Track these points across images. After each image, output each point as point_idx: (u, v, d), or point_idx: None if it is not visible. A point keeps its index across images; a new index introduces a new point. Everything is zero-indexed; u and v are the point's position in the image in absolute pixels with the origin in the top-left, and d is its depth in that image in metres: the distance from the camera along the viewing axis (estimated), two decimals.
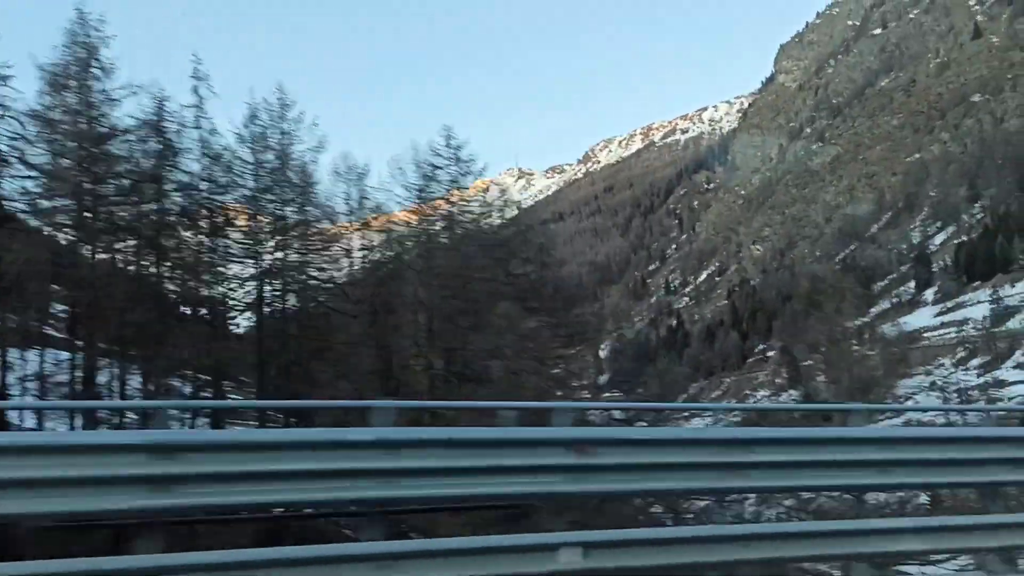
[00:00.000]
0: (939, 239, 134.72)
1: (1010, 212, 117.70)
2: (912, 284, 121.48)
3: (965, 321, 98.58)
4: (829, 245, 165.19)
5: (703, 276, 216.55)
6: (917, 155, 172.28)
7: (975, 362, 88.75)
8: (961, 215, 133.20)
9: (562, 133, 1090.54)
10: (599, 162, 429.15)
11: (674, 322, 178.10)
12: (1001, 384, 76.91)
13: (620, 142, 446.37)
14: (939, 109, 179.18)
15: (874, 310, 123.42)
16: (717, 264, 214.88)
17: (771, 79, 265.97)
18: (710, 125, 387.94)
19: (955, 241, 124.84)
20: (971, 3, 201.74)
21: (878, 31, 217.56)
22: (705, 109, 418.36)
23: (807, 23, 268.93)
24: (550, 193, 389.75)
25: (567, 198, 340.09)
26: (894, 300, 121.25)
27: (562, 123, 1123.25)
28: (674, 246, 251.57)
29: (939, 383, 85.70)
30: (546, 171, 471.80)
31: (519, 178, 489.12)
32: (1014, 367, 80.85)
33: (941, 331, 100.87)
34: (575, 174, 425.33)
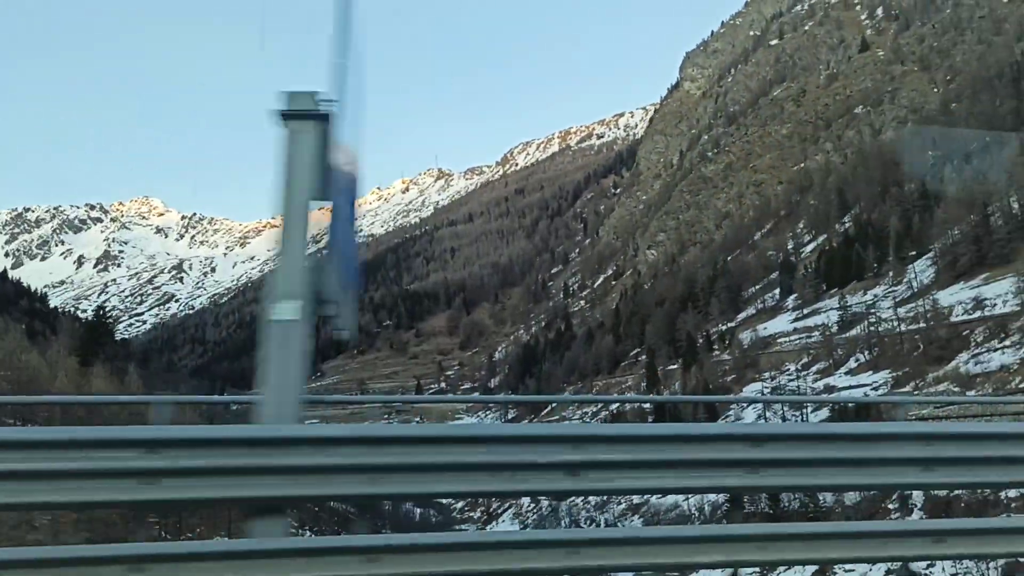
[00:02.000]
0: (812, 247, 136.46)
1: (871, 221, 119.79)
2: (778, 291, 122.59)
3: (816, 327, 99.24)
4: (716, 251, 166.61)
5: (600, 280, 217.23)
6: (802, 164, 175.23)
7: (819, 366, 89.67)
8: (833, 224, 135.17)
9: (484, 135, 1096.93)
10: (517, 164, 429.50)
11: (563, 325, 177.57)
12: (830, 390, 77.01)
13: (539, 145, 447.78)
14: (825, 119, 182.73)
15: (741, 315, 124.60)
16: (614, 268, 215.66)
17: (677, 86, 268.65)
18: (625, 131, 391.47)
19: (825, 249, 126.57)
20: (862, 17, 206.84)
21: (775, 41, 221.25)
22: (622, 115, 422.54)
23: (712, 32, 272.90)
24: (464, 194, 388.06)
25: (478, 199, 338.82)
26: (759, 306, 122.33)
27: (484, 126, 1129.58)
28: (577, 250, 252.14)
29: (780, 388, 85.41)
30: (465, 172, 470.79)
31: (439, 179, 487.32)
32: (846, 372, 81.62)
33: (793, 336, 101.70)
34: (493, 176, 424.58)
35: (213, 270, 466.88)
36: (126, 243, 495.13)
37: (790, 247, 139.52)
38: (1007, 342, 66.75)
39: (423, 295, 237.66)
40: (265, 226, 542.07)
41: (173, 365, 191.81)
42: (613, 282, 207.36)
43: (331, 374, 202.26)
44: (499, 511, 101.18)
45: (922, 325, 76.18)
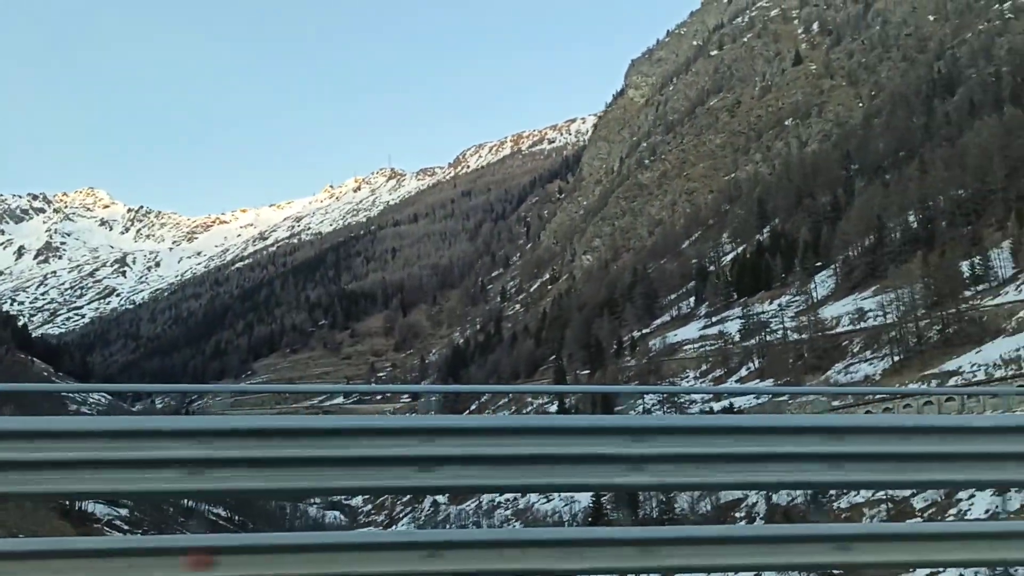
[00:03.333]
0: (731, 256, 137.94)
1: (784, 232, 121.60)
2: (693, 299, 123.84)
3: (720, 335, 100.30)
4: (645, 258, 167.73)
5: (537, 284, 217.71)
6: (733, 174, 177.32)
7: (716, 374, 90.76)
8: (753, 234, 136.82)
9: (439, 137, 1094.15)
10: (469, 166, 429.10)
11: (492, 329, 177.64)
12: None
13: (491, 148, 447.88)
14: (757, 130, 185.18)
15: (657, 322, 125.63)
16: (552, 272, 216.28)
17: (622, 93, 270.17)
18: (576, 136, 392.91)
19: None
20: (799, 32, 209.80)
21: (715, 52, 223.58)
22: (574, 121, 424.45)
23: (657, 40, 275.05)
24: (412, 194, 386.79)
25: (425, 200, 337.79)
26: (673, 313, 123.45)
27: (440, 127, 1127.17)
28: (519, 253, 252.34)
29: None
30: (417, 173, 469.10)
31: (391, 178, 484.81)
32: (736, 380, 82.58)
33: (698, 344, 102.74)
34: (445, 177, 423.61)
35: (158, 264, 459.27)
36: (69, 235, 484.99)
37: (712, 256, 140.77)
38: (878, 353, 68.19)
39: (360, 295, 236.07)
40: (214, 221, 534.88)
41: (88, 363, 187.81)
42: (549, 287, 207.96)
43: (261, 372, 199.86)
44: (400, 515, 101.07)
45: (805, 336, 77.44)
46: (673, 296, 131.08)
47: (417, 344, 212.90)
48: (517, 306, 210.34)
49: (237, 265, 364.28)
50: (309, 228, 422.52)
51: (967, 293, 66.90)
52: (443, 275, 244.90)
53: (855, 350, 70.74)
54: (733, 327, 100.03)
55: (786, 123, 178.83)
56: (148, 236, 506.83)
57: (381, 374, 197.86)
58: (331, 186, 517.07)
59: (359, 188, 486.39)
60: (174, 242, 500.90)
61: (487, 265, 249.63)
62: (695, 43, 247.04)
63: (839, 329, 78.71)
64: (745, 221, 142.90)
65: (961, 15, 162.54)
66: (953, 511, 41.15)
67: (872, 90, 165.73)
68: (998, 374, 49.39)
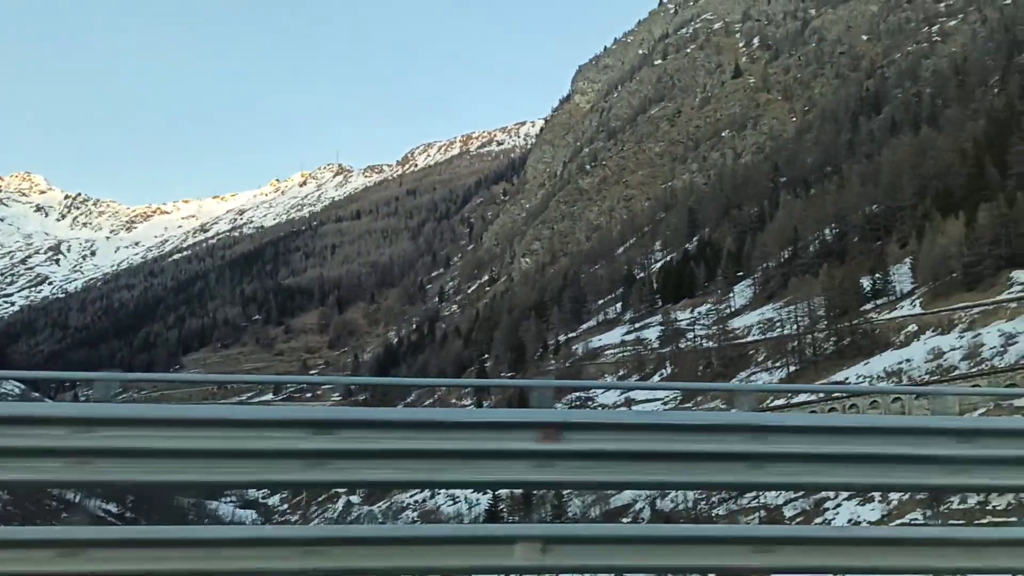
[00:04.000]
0: (661, 263, 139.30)
1: (711, 241, 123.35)
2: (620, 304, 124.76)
3: (641, 341, 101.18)
4: (581, 262, 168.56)
5: (476, 285, 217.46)
6: (670, 183, 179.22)
7: (632, 378, 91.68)
8: (683, 242, 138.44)
9: (388, 134, 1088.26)
10: (417, 165, 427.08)
11: (426, 329, 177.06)
12: (630, 403, 78.33)
13: (440, 147, 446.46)
14: (695, 140, 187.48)
15: (584, 326, 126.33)
16: (491, 274, 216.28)
17: (568, 98, 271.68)
18: (525, 139, 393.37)
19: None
20: (740, 45, 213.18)
21: (659, 61, 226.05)
22: (524, 124, 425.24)
23: (605, 47, 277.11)
24: (357, 191, 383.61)
25: (370, 197, 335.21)
26: (600, 318, 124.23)
27: (389, 124, 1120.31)
28: (460, 254, 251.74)
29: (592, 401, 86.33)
30: (365, 169, 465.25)
31: (338, 174, 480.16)
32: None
33: (619, 349, 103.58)
34: (392, 175, 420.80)
35: (93, 253, 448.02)
36: (2, 220, 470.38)
37: (642, 262, 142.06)
38: (779, 362, 69.39)
39: (297, 291, 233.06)
40: (155, 211, 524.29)
41: (6, 352, 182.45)
42: (487, 288, 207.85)
43: (191, 367, 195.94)
44: (315, 513, 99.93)
45: (713, 344, 78.50)
46: (602, 301, 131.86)
47: (352, 342, 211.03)
48: (454, 307, 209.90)
49: (175, 257, 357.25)
50: (251, 222, 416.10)
51: (868, 307, 68.50)
52: (383, 273, 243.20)
53: (759, 359, 72.00)
54: (654, 333, 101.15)
55: (723, 134, 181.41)
56: (85, 224, 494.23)
57: (313, 372, 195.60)
58: (277, 180, 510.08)
59: (305, 183, 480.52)
60: (112, 231, 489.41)
61: (428, 264, 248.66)
62: (641, 52, 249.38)
63: (750, 338, 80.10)
64: (676, 229, 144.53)
65: (893, 36, 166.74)
66: (819, 519, 41.98)
67: (805, 105, 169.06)
68: (880, 385, 50.52)
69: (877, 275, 70.01)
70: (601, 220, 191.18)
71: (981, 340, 48.85)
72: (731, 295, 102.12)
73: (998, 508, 31.09)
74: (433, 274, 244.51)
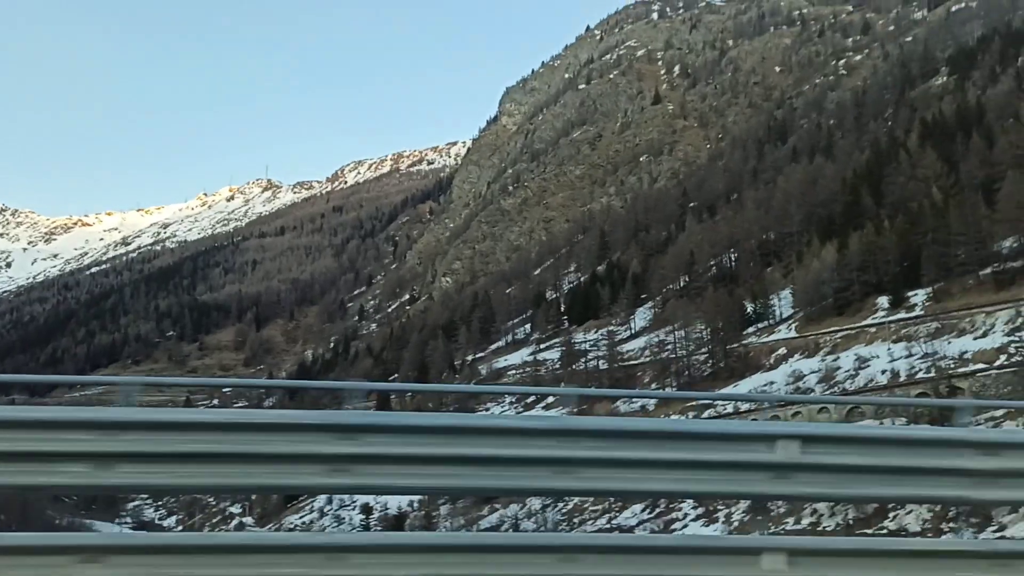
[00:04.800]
0: (572, 285, 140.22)
1: (619, 264, 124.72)
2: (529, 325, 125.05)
3: (543, 362, 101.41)
4: (498, 283, 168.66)
5: (396, 304, 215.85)
6: (588, 206, 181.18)
7: (531, 400, 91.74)
8: (595, 265, 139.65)
9: (320, 151, 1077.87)
10: (347, 182, 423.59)
11: (341, 347, 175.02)
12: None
13: (371, 165, 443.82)
14: (614, 164, 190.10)
15: (494, 346, 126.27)
16: (412, 293, 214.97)
17: (496, 120, 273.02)
18: (455, 159, 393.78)
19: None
20: (661, 72, 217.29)
21: (583, 86, 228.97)
22: (455, 144, 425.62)
23: (532, 70, 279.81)
24: (285, 207, 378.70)
25: (296, 213, 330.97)
26: (508, 339, 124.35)
27: (321, 141, 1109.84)
28: (383, 272, 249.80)
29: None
30: (294, 186, 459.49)
31: (266, 189, 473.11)
32: (542, 407, 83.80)
33: (522, 369, 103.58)
34: (322, 191, 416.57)
35: (8, 265, 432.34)
36: None
37: (554, 283, 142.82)
38: (662, 383, 70.11)
39: (214, 307, 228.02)
40: (76, 223, 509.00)
41: None
42: (407, 307, 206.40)
43: (98, 385, 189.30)
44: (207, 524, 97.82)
45: (605, 366, 79.08)
46: (512, 322, 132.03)
47: (268, 360, 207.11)
48: (374, 325, 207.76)
49: (92, 270, 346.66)
50: (175, 236, 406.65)
51: (750, 330, 69.83)
52: (303, 290, 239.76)
53: (646, 380, 72.73)
54: (557, 354, 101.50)
55: (641, 159, 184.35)
56: (1, 235, 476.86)
57: (226, 389, 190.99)
58: (205, 194, 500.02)
59: (232, 197, 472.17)
60: (29, 242, 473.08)
61: (350, 282, 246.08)
62: (566, 75, 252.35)
63: (643, 359, 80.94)
64: (590, 251, 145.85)
65: (803, 68, 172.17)
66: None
67: (719, 132, 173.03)
68: (743, 407, 51.27)
69: (759, 300, 71.45)
70: (521, 241, 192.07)
71: (839, 364, 50.05)
72: (632, 317, 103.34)
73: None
74: (355, 292, 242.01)
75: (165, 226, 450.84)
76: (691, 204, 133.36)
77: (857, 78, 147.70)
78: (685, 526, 40.33)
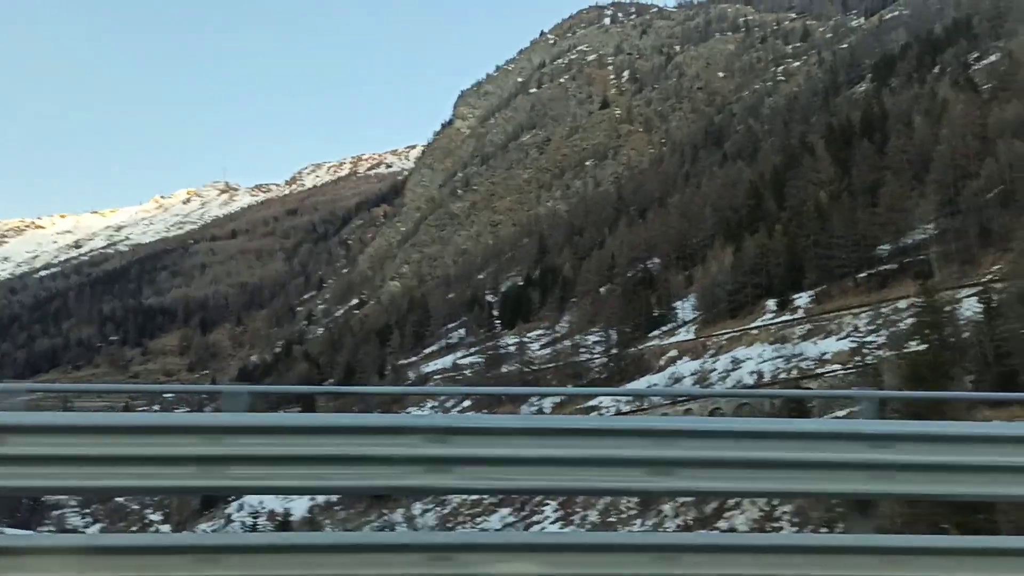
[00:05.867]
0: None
1: (553, 268, 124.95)
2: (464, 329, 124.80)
3: (471, 365, 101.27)
4: (443, 286, 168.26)
5: (345, 308, 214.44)
6: (535, 210, 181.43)
7: (450, 404, 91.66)
8: (534, 269, 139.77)
9: (279, 153, 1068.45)
10: (305, 184, 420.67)
11: (284, 352, 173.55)
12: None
13: (330, 168, 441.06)
14: (561, 168, 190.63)
15: (428, 350, 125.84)
16: (361, 297, 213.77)
17: (450, 123, 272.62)
18: (414, 162, 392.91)
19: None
20: (611, 78, 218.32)
21: (534, 90, 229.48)
22: (414, 147, 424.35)
23: (487, 74, 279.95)
24: (239, 210, 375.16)
25: (249, 217, 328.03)
26: (443, 343, 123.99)
27: (280, 144, 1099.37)
28: (334, 276, 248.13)
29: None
30: (252, 188, 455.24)
31: (223, 192, 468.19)
32: (458, 410, 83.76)
33: (450, 373, 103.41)
34: (280, 194, 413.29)
35: None
36: None
37: (492, 287, 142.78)
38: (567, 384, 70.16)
39: (159, 311, 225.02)
40: (28, 225, 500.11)
41: None
42: (355, 311, 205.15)
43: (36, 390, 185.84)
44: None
45: (515, 369, 79.14)
46: (449, 326, 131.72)
47: (213, 365, 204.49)
48: (320, 330, 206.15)
49: (42, 273, 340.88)
50: (128, 239, 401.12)
51: (655, 333, 70.22)
52: (252, 294, 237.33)
53: (553, 383, 72.80)
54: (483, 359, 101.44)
55: (587, 163, 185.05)
56: None
57: (168, 395, 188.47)
58: (161, 196, 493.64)
59: (189, 200, 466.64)
60: None
61: (300, 287, 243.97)
62: (519, 79, 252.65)
63: (551, 364, 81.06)
64: (529, 255, 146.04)
65: (744, 74, 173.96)
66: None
67: (662, 137, 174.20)
68: (625, 409, 51.50)
69: (663, 304, 71.89)
70: (469, 245, 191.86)
71: (716, 366, 50.43)
72: (562, 319, 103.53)
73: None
74: (305, 296, 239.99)
75: (119, 229, 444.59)
76: (632, 208, 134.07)
77: (793, 84, 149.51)
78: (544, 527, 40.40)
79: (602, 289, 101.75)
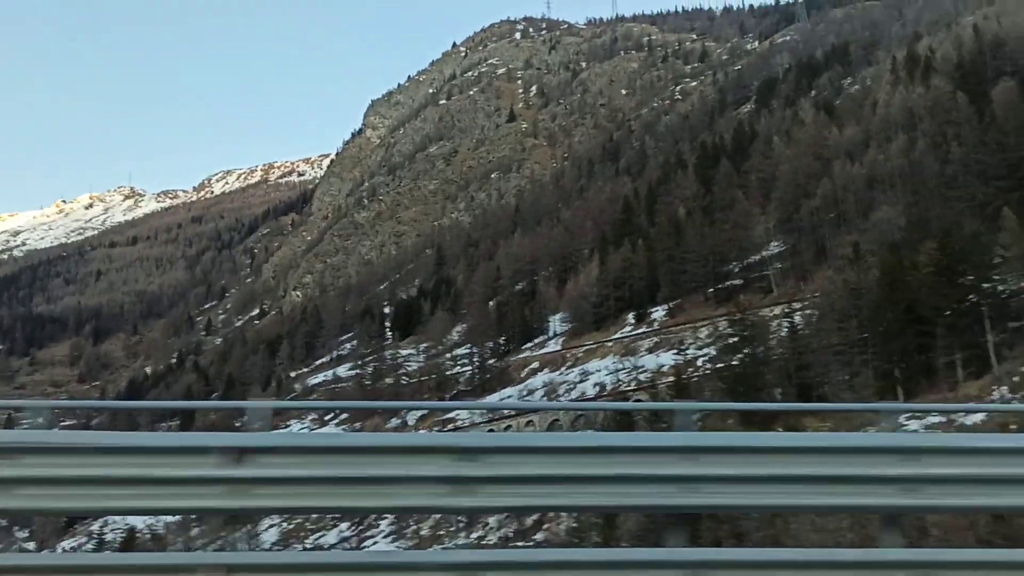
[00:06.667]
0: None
1: (448, 278, 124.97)
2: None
3: (358, 376, 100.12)
4: (342, 297, 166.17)
5: (246, 318, 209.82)
6: (440, 221, 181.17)
7: (328, 416, 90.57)
8: (431, 280, 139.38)
9: (188, 159, 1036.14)
10: (213, 191, 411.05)
11: (176, 363, 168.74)
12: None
13: (240, 175, 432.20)
14: (467, 180, 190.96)
15: (319, 361, 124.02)
16: (262, 307, 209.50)
17: (360, 132, 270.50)
18: (324, 171, 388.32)
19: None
20: (519, 91, 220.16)
21: (444, 101, 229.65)
22: (327, 156, 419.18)
23: (399, 84, 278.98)
24: (140, 216, 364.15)
25: (152, 223, 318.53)
26: (334, 354, 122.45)
27: (189, 150, 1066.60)
28: (237, 286, 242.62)
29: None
30: (158, 194, 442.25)
31: (128, 198, 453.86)
32: (337, 423, 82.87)
33: (335, 385, 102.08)
34: (187, 200, 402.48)
35: None
36: None
37: (388, 298, 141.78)
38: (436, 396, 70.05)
39: (49, 319, 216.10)
40: None
41: None
42: (256, 321, 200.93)
43: None
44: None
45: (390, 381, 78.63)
46: (342, 337, 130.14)
47: (105, 376, 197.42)
48: (219, 340, 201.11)
49: None
50: (25, 244, 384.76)
51: (528, 344, 70.74)
52: (150, 303, 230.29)
53: (424, 395, 72.64)
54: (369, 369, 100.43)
55: (492, 176, 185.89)
56: None
57: (56, 409, 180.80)
58: (63, 201, 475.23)
59: (92, 205, 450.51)
60: None
61: (201, 296, 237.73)
62: (430, 90, 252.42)
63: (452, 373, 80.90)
64: (428, 266, 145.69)
65: (645, 91, 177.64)
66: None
67: (565, 152, 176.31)
68: (477, 420, 51.55)
69: (544, 315, 72.49)
70: (372, 255, 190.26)
71: (566, 378, 51.00)
72: (451, 331, 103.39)
73: None
74: (206, 305, 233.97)
75: (16, 234, 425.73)
76: (526, 221, 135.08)
77: (689, 103, 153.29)
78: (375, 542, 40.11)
79: (491, 302, 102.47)
